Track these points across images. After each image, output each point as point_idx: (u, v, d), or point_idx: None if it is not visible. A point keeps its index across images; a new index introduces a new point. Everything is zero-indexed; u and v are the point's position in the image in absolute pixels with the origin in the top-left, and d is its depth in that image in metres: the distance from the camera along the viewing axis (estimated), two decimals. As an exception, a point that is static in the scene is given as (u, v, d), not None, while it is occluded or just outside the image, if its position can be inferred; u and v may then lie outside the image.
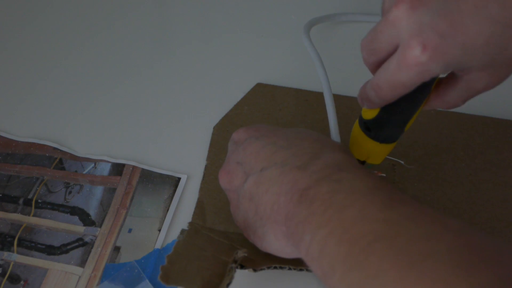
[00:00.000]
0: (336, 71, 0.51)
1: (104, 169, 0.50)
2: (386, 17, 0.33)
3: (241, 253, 0.37)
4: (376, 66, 0.36)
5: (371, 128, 0.41)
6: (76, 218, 0.47)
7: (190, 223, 0.45)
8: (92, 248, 0.45)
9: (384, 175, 0.49)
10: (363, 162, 0.44)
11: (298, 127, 0.42)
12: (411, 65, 0.32)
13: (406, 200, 0.31)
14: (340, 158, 0.36)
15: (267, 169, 0.37)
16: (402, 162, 0.50)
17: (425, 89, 0.37)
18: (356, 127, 0.43)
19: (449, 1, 0.31)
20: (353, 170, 0.34)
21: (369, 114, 0.40)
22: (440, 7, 0.31)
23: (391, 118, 0.39)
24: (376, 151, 0.43)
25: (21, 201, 0.48)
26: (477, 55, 0.32)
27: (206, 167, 0.50)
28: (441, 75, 0.37)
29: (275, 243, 0.37)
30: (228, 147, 0.43)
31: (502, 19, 0.30)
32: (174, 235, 0.46)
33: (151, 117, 0.55)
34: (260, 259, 0.39)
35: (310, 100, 0.55)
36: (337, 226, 0.30)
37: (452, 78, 0.37)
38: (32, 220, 0.47)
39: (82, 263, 0.44)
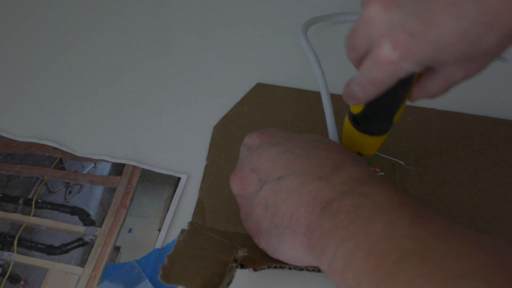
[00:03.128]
0: (335, 71, 0.51)
1: (104, 169, 0.50)
2: (361, 16, 0.33)
3: (241, 253, 0.37)
4: (358, 62, 0.36)
5: (359, 122, 0.41)
6: (76, 218, 0.47)
7: (190, 223, 0.45)
8: (92, 248, 0.45)
9: (382, 173, 0.49)
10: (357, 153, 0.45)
11: (312, 134, 0.43)
12: (383, 63, 0.32)
13: (434, 216, 0.31)
14: (363, 172, 0.36)
15: (285, 178, 0.37)
16: (402, 163, 0.50)
17: (406, 84, 0.37)
18: (347, 121, 0.43)
19: (422, 0, 0.31)
20: (377, 184, 0.34)
21: (356, 108, 0.41)
22: (412, 6, 0.31)
23: (376, 112, 0.40)
24: (367, 144, 0.43)
25: (21, 201, 0.48)
26: (450, 52, 0.32)
27: (206, 167, 0.50)
28: None
29: (290, 252, 0.37)
30: (240, 152, 0.43)
31: (476, 16, 0.30)
32: (174, 235, 0.45)
33: (151, 117, 0.55)
34: (261, 259, 0.39)
35: (310, 100, 0.55)
36: (363, 240, 0.30)
37: (431, 71, 0.37)
38: (32, 220, 0.47)
39: (82, 263, 0.44)
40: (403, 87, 0.37)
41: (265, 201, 0.38)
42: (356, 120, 0.41)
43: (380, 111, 0.40)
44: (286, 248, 0.37)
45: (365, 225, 0.31)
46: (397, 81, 0.34)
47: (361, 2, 0.35)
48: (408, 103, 0.55)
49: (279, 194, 0.37)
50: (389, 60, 0.32)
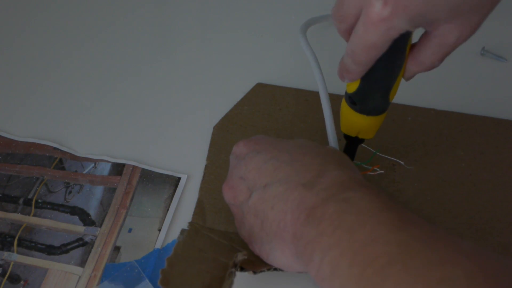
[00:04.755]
0: (335, 70, 0.51)
1: (104, 169, 0.50)
2: None
3: (241, 256, 0.37)
4: (348, 33, 0.36)
5: (356, 101, 0.41)
6: (76, 218, 0.47)
7: (190, 223, 0.45)
8: (92, 248, 0.45)
9: (382, 171, 0.49)
10: (355, 138, 0.44)
11: (299, 138, 0.42)
12: (375, 22, 0.32)
13: (417, 221, 0.31)
14: (346, 176, 0.36)
15: (270, 186, 0.37)
16: (402, 163, 0.50)
17: (399, 53, 0.37)
18: (343, 104, 0.43)
19: None
20: (360, 188, 0.34)
21: (351, 86, 0.40)
22: None
23: (372, 88, 0.39)
24: (365, 125, 0.43)
25: (21, 201, 0.48)
26: (440, 4, 0.31)
27: (206, 167, 0.50)
28: (412, 40, 0.37)
29: (281, 258, 0.37)
30: (230, 161, 0.43)
31: None
32: (174, 235, 0.46)
33: (151, 117, 0.55)
34: (260, 261, 0.39)
35: (310, 100, 0.55)
36: (348, 248, 0.30)
37: (424, 38, 0.37)
38: (32, 220, 0.47)
39: (82, 263, 0.44)
40: (397, 56, 0.37)
41: (254, 209, 0.38)
42: (353, 100, 0.41)
43: (375, 86, 0.39)
44: (278, 255, 0.37)
45: (349, 231, 0.31)
46: (390, 43, 0.33)
47: None
48: (408, 103, 0.55)
49: (267, 202, 0.37)
50: (381, 17, 0.32)
